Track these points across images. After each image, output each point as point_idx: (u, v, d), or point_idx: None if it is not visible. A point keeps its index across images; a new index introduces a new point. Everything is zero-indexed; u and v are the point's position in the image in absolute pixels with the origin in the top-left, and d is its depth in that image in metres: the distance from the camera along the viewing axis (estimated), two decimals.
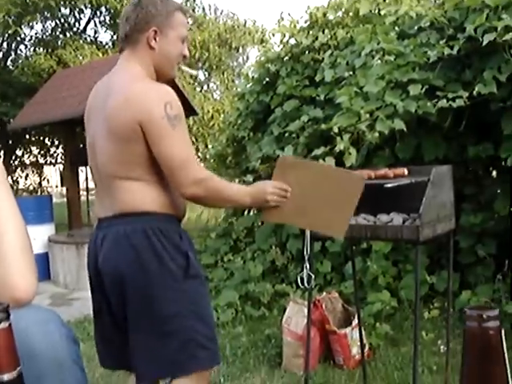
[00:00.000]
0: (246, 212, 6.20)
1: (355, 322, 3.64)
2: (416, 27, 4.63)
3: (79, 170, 9.92)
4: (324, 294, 3.99)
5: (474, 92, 3.78)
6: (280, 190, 2.32)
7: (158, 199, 2.11)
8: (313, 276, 2.81)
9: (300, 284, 2.82)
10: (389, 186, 2.58)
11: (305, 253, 2.76)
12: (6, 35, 13.82)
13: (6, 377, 0.91)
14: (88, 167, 2.38)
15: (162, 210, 2.11)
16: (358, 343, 3.53)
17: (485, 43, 3.78)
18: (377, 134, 3.95)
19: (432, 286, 4.47)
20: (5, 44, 14.62)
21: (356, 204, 2.32)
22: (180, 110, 2.06)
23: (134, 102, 2.01)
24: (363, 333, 3.53)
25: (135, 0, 2.21)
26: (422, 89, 3.97)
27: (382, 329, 4.04)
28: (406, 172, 2.80)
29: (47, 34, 15.19)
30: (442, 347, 3.81)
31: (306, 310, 3.33)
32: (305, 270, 2.78)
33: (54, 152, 15.69)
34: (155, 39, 2.16)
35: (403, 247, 4.70)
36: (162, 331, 2.07)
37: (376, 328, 4.06)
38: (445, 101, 3.85)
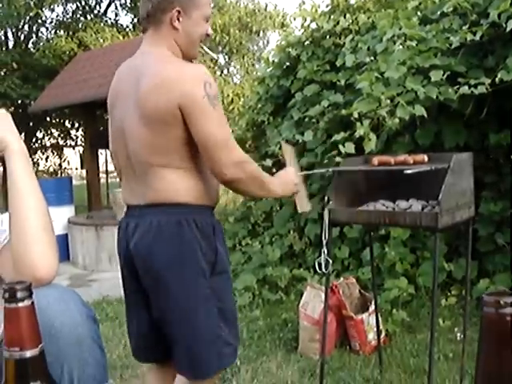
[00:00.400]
0: None
1: (372, 307, 3.65)
2: (439, 12, 4.58)
3: (99, 153, 9.98)
4: (341, 279, 4.00)
5: (497, 79, 3.73)
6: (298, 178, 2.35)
7: (192, 189, 2.06)
8: (330, 261, 2.82)
9: (318, 269, 2.82)
10: (408, 172, 2.57)
11: (323, 238, 2.76)
12: (28, 18, 13.87)
13: (29, 353, 0.93)
14: (111, 151, 2.31)
15: (196, 200, 2.07)
16: (375, 329, 3.54)
17: (508, 29, 3.73)
18: (397, 120, 3.92)
19: (450, 274, 4.45)
20: (26, 26, 14.69)
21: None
22: (217, 89, 2.02)
23: (172, 84, 1.95)
24: (380, 319, 3.53)
25: None
26: (443, 75, 3.93)
27: (399, 315, 4.04)
28: (425, 159, 2.79)
29: (68, 16, 15.25)
30: (458, 335, 3.81)
31: (323, 295, 3.34)
32: (322, 255, 2.78)
33: (74, 134, 15.79)
34: (178, 20, 2.09)
35: (421, 234, 4.69)
36: (189, 328, 2.05)
37: (393, 314, 4.06)
38: (466, 87, 3.81)
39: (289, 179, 2.32)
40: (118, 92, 2.17)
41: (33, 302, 0.92)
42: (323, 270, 2.80)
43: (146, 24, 2.15)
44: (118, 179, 2.29)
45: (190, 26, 2.12)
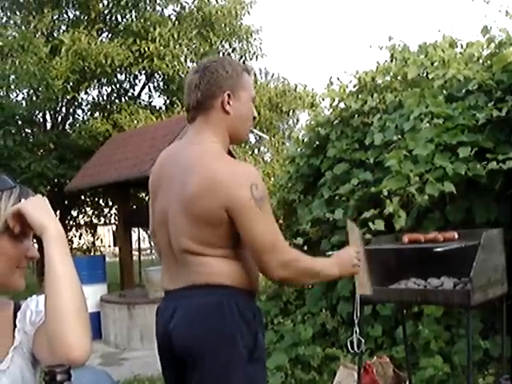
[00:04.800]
0: None
1: None
2: (464, 90, 4.66)
3: (132, 231, 10.08)
4: (375, 358, 3.93)
5: None
6: (358, 254, 2.29)
7: (235, 273, 2.04)
8: (363, 340, 2.79)
9: (350, 348, 2.79)
10: (439, 250, 2.57)
11: (354, 316, 2.75)
12: (65, 100, 14.36)
13: None
14: (151, 233, 2.32)
15: (238, 284, 2.04)
16: None
17: None
18: (426, 197, 3.95)
19: (486, 351, 4.34)
20: (63, 109, 15.16)
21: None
22: (265, 190, 2.01)
23: (219, 186, 1.94)
24: None
25: (200, 66, 2.15)
26: (471, 151, 3.97)
27: None
28: (456, 236, 2.80)
29: (103, 98, 15.72)
30: None
31: (356, 375, 3.29)
32: (354, 335, 2.76)
33: (108, 212, 16.00)
34: (229, 103, 2.09)
35: (455, 311, 4.61)
36: None
37: None
38: (495, 163, 3.84)
39: (347, 259, 2.25)
40: (163, 180, 2.16)
41: None
42: (356, 349, 2.77)
43: (194, 113, 2.14)
44: (150, 257, 2.29)
45: (241, 108, 2.14)
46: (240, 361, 1.98)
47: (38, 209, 1.46)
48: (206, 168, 2.01)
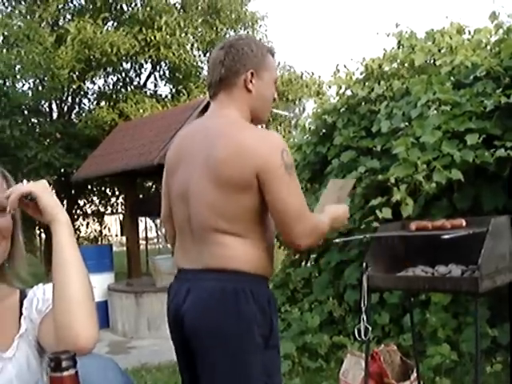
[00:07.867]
0: (303, 263, 6.19)
1: (414, 375, 3.56)
2: (472, 77, 4.63)
3: (139, 220, 10.10)
4: (382, 346, 3.92)
5: None
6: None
7: (252, 258, 2.01)
8: (370, 328, 2.79)
9: (357, 336, 2.79)
10: (446, 237, 2.56)
11: (362, 304, 2.74)
12: (71, 90, 14.34)
13: None
14: (164, 214, 2.29)
15: (255, 270, 2.01)
16: None
17: None
18: (434, 185, 3.93)
19: (494, 339, 4.33)
20: (69, 98, 15.15)
21: None
22: (291, 157, 2.03)
23: (250, 152, 1.94)
24: None
25: (225, 43, 2.15)
26: (479, 138, 3.95)
27: (442, 383, 3.93)
28: (463, 223, 2.78)
29: (109, 87, 15.68)
30: None
31: (363, 363, 3.28)
32: (362, 322, 2.75)
33: (115, 202, 16.02)
34: (251, 82, 2.09)
35: (463, 299, 4.60)
36: None
37: (435, 382, 3.96)
38: (503, 150, 3.82)
39: (343, 216, 2.28)
40: (184, 154, 2.14)
41: (77, 372, 0.94)
42: (363, 337, 2.77)
43: (217, 88, 2.13)
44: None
45: (263, 87, 2.14)
46: (257, 349, 1.97)
47: (49, 194, 1.45)
48: (234, 135, 2.01)
